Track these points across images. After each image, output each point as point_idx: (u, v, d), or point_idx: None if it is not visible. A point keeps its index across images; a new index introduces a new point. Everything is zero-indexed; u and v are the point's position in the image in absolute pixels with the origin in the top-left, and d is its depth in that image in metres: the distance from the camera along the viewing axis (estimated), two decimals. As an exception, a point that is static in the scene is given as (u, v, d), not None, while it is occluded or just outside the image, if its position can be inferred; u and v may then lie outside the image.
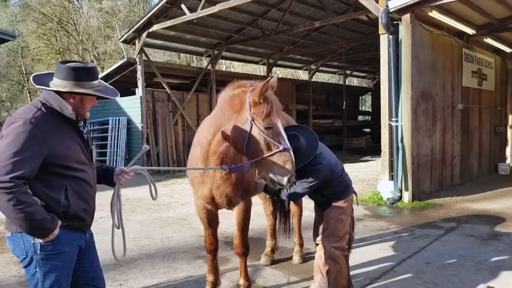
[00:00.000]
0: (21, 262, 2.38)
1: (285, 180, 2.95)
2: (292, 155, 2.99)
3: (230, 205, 3.66)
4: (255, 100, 3.01)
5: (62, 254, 2.35)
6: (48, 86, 2.38)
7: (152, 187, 2.82)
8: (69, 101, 2.39)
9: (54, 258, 2.32)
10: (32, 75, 2.46)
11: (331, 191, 3.63)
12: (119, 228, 2.65)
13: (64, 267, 2.38)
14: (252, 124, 3.00)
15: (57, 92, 2.37)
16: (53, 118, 2.31)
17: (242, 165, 3.35)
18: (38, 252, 2.29)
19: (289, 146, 3.00)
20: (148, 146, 3.03)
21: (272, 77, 3.33)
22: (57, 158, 2.27)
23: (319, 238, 3.90)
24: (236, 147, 3.18)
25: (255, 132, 3.01)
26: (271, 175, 3.00)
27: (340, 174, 3.68)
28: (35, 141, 2.18)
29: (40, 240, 2.27)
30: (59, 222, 2.30)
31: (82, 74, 2.37)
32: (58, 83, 2.37)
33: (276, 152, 2.94)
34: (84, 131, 2.52)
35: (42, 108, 2.30)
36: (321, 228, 3.82)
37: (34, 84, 2.42)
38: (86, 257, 2.56)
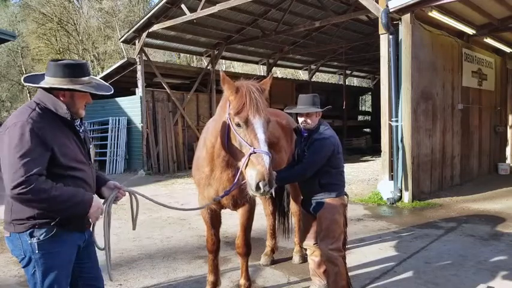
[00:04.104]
0: (20, 262, 2.38)
1: (253, 184, 2.71)
2: (266, 160, 2.70)
3: (235, 206, 3.65)
4: (230, 96, 2.92)
5: (60, 253, 2.35)
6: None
7: (134, 214, 2.75)
8: (60, 99, 2.36)
9: (52, 258, 2.33)
10: (24, 76, 2.46)
11: (329, 181, 3.61)
12: (103, 249, 2.54)
13: (63, 267, 2.39)
14: (228, 122, 2.94)
15: (49, 91, 2.36)
16: (48, 118, 2.29)
17: (229, 190, 3.25)
18: (36, 251, 2.29)
19: (263, 149, 2.74)
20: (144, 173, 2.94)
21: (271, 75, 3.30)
22: (55, 157, 2.27)
23: (308, 242, 3.87)
24: (222, 147, 3.15)
25: (231, 131, 2.93)
26: (247, 179, 2.80)
27: (341, 163, 3.71)
28: (37, 140, 2.18)
29: (36, 240, 2.28)
30: (93, 197, 2.35)
31: (70, 70, 2.34)
32: (47, 81, 2.37)
33: (249, 155, 2.74)
34: (81, 130, 2.50)
35: (37, 109, 2.29)
36: (311, 232, 3.79)
37: (24, 83, 2.43)
38: (86, 257, 2.56)
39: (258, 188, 2.70)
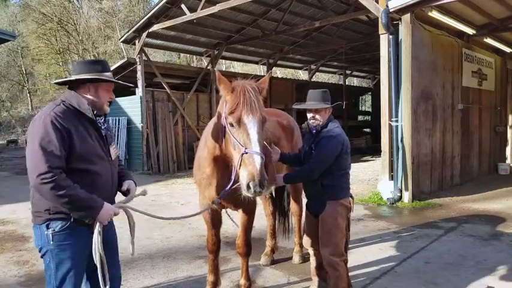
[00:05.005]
0: (39, 252, 2.50)
1: (244, 184, 2.71)
2: (257, 160, 2.67)
3: (236, 206, 3.63)
4: (226, 96, 2.93)
5: (73, 246, 2.43)
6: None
7: (132, 226, 2.70)
8: (86, 94, 2.54)
9: (65, 250, 2.42)
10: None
11: (332, 183, 3.49)
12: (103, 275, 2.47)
13: (75, 259, 2.46)
14: (224, 122, 2.95)
15: (75, 90, 2.55)
16: (71, 113, 2.45)
17: (226, 191, 3.16)
18: (51, 242, 2.42)
19: (255, 149, 2.72)
20: (146, 192, 2.91)
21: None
22: (74, 150, 2.39)
23: (310, 245, 3.82)
24: (219, 147, 3.17)
25: (226, 131, 2.94)
26: (240, 179, 2.79)
27: (347, 164, 3.60)
28: (59, 134, 2.33)
29: (52, 231, 2.40)
30: (107, 205, 2.42)
31: (94, 66, 2.55)
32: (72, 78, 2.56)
33: (241, 156, 2.74)
34: (103, 127, 2.62)
35: (62, 105, 2.47)
36: (314, 234, 3.70)
37: (54, 83, 2.76)
38: (105, 246, 2.57)
39: (248, 188, 2.69)
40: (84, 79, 2.52)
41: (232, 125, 2.85)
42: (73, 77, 2.53)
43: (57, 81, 2.72)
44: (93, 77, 2.51)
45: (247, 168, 2.70)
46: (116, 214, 2.47)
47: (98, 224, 2.42)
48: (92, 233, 2.45)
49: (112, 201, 2.66)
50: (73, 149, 2.37)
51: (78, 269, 2.49)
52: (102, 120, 2.64)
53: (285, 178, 3.59)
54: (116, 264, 2.73)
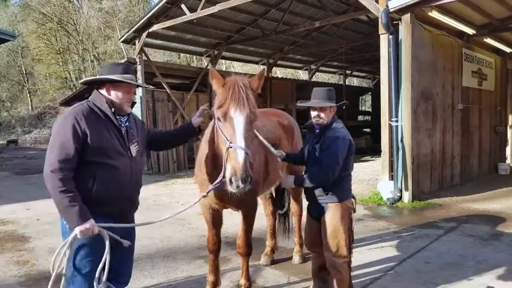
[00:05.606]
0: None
1: (227, 179, 2.69)
2: (240, 154, 2.65)
3: (238, 206, 3.61)
4: (218, 91, 2.93)
5: (88, 238, 2.51)
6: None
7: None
8: (106, 94, 2.70)
9: (80, 241, 2.51)
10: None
11: (335, 184, 3.41)
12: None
13: (90, 251, 2.55)
14: (215, 116, 2.97)
15: (98, 91, 2.74)
16: (93, 112, 2.63)
17: (214, 185, 3.06)
18: (69, 233, 2.54)
19: (239, 143, 2.70)
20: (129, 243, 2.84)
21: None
22: (89, 144, 2.52)
23: (311, 247, 3.79)
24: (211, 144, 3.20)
25: (216, 126, 2.97)
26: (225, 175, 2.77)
27: (350, 165, 3.52)
28: (75, 132, 2.50)
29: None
30: (92, 221, 2.48)
31: (115, 67, 2.75)
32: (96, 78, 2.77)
33: (227, 150, 2.75)
34: (123, 125, 2.73)
35: (85, 104, 2.66)
36: (315, 237, 3.63)
37: (80, 83, 3.14)
38: (116, 253, 2.65)
39: (231, 182, 2.68)
40: (106, 80, 2.69)
41: (220, 120, 2.85)
42: (91, 78, 2.76)
43: (81, 81, 2.95)
44: (109, 77, 2.66)
45: (231, 162, 2.69)
46: (94, 233, 2.52)
47: (72, 235, 2.48)
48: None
49: (131, 194, 2.79)
50: (88, 144, 2.52)
51: (92, 259, 2.57)
52: (125, 119, 2.77)
53: (296, 181, 3.51)
54: (121, 274, 2.83)
